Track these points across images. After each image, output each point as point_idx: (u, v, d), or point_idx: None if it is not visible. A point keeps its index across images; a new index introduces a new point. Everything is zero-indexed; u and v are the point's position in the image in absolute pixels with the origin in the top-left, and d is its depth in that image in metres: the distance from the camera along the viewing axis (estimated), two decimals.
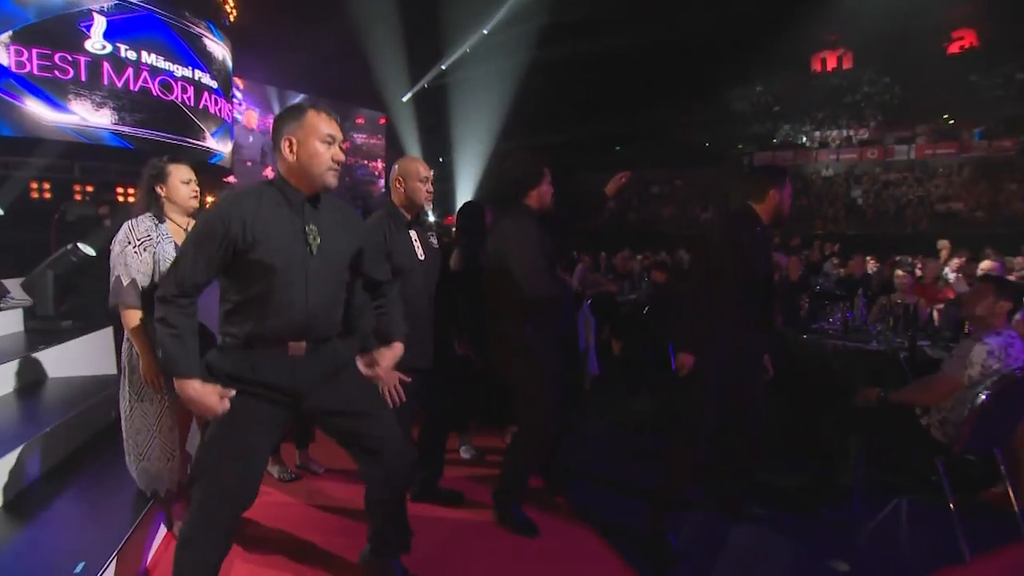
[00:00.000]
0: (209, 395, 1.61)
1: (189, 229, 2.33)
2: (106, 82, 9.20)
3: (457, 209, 3.35)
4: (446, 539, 2.46)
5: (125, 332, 2.17)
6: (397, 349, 1.95)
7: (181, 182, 2.26)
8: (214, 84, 11.36)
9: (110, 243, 2.18)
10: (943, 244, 8.49)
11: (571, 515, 2.69)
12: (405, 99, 17.88)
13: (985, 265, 5.34)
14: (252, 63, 13.84)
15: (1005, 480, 2.52)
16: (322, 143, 1.66)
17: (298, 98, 16.83)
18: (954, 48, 20.18)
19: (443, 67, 16.99)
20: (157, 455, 2.18)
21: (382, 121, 18.61)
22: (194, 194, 2.30)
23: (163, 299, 1.62)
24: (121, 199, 8.69)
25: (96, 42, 9.03)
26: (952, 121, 18.70)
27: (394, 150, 18.28)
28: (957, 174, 17.73)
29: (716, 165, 20.82)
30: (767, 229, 2.53)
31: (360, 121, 18.23)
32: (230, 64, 12.24)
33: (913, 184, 17.97)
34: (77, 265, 3.65)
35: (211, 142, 11.37)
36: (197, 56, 10.88)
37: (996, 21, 18.65)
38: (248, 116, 15.29)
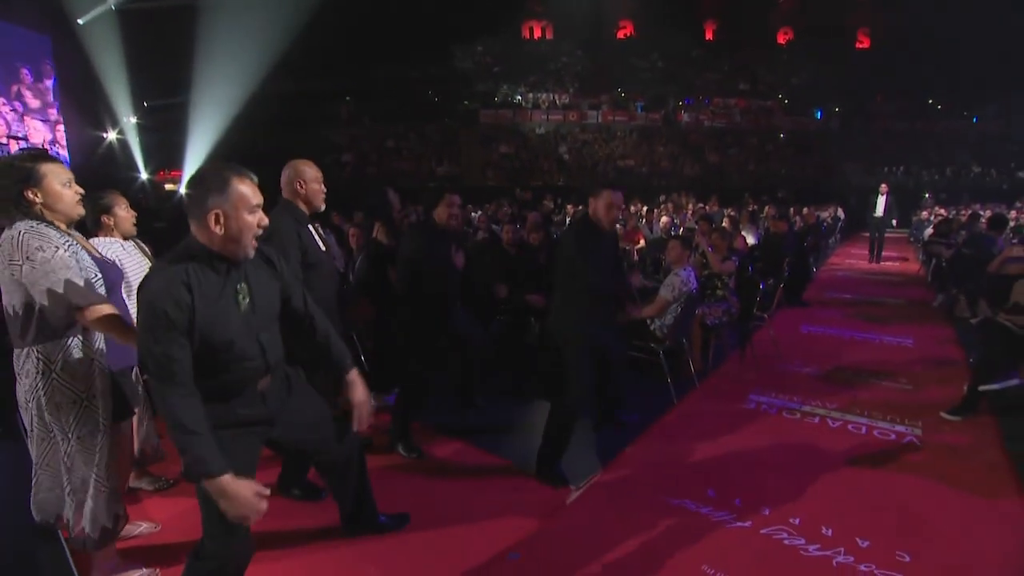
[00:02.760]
0: (245, 490, 1.54)
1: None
2: None
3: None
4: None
5: (20, 367, 1.94)
6: (356, 376, 2.00)
7: (61, 185, 1.96)
8: None
9: None
10: None
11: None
12: (82, 21, 14.34)
13: (664, 221, 7.70)
14: None
15: (688, 357, 4.26)
16: (251, 214, 1.60)
17: None
18: (621, 34, 25.35)
19: None
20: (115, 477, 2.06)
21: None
22: (79, 197, 2.03)
23: (161, 396, 1.53)
24: None
25: None
26: (624, 94, 23.76)
27: (75, 86, 14.65)
28: (629, 137, 22.85)
29: (445, 119, 22.35)
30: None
31: None
32: None
33: (602, 144, 22.53)
34: None
35: None
36: None
37: (644, 17, 23.96)
38: None
